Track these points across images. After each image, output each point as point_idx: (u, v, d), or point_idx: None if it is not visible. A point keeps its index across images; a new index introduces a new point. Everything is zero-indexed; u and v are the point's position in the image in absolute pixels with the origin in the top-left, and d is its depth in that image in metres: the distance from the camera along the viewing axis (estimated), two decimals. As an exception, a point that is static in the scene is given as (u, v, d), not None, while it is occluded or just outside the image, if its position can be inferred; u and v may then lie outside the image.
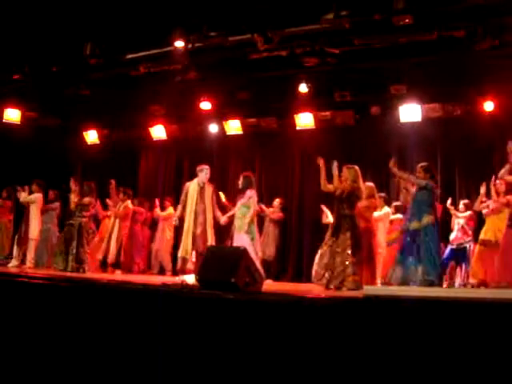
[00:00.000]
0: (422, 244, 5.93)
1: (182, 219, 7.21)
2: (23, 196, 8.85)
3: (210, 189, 7.26)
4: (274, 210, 9.32)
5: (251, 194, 7.07)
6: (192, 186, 7.20)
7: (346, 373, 3.67)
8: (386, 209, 7.84)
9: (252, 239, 6.88)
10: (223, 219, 7.30)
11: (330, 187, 6.58)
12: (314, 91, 8.71)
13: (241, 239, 6.81)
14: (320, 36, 7.25)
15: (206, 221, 7.08)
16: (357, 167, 6.54)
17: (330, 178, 6.68)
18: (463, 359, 3.33)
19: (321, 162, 6.63)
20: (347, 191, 6.39)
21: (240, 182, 7.22)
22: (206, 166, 7.33)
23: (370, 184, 7.31)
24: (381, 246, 7.63)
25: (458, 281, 7.74)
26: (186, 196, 7.16)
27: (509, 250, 5.99)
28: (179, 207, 7.31)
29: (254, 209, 7.08)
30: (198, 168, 7.36)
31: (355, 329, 3.70)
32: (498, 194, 7.14)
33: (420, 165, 6.38)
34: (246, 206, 7.04)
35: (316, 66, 7.99)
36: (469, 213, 7.83)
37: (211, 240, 7.06)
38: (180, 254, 7.13)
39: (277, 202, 9.46)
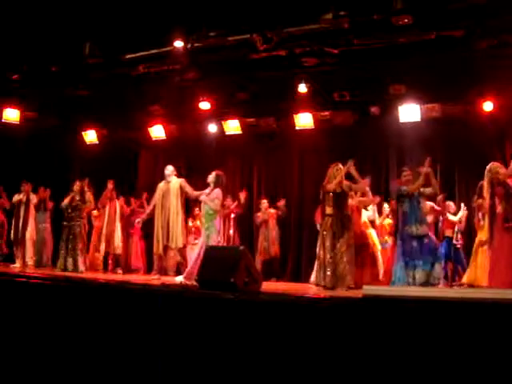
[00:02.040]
0: (431, 246, 5.98)
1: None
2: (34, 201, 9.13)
3: (177, 182, 7.62)
4: (264, 212, 9.43)
5: (217, 194, 7.18)
6: (160, 185, 7.70)
7: (344, 372, 3.67)
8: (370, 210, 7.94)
9: (208, 236, 7.03)
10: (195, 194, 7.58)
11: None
12: (313, 91, 8.71)
13: (203, 235, 7.15)
14: (319, 36, 7.24)
15: (170, 215, 7.43)
16: (339, 165, 6.59)
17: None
18: (463, 359, 3.33)
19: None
20: (344, 190, 6.41)
21: (211, 178, 7.31)
22: (169, 165, 7.84)
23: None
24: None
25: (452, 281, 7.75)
26: (155, 197, 7.66)
27: (502, 254, 5.94)
28: (149, 207, 7.84)
29: (217, 209, 7.17)
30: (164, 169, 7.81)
31: (354, 329, 3.71)
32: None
33: (407, 169, 6.43)
34: (208, 204, 7.16)
35: (315, 66, 7.99)
36: (461, 214, 7.87)
37: (179, 233, 7.42)
38: (155, 250, 7.56)
39: (264, 203, 9.55)
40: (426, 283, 5.83)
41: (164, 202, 7.51)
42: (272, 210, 9.60)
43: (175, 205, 7.50)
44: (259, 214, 9.60)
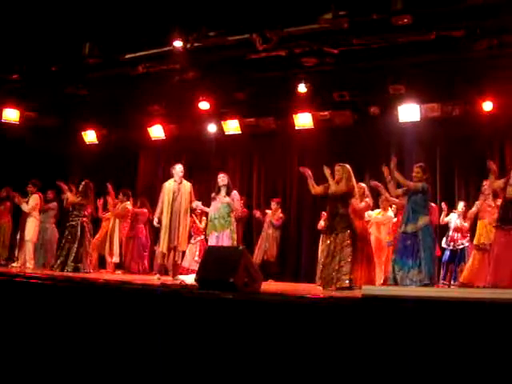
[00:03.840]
0: (418, 245, 5.95)
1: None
2: (25, 207, 8.98)
3: (188, 185, 7.55)
4: (274, 213, 9.39)
5: (237, 195, 7.22)
6: (168, 184, 7.53)
7: (344, 372, 3.67)
8: (390, 211, 7.88)
9: (233, 238, 7.05)
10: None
11: (319, 189, 6.57)
12: (312, 91, 8.71)
13: (223, 238, 7.02)
14: (318, 36, 7.24)
15: (181, 217, 7.36)
16: (348, 165, 6.53)
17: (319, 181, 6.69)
18: (462, 359, 3.34)
19: (307, 171, 6.62)
20: (342, 190, 6.39)
21: (225, 181, 7.29)
22: (178, 164, 7.69)
23: (363, 184, 7.37)
24: (381, 246, 7.69)
25: (452, 281, 7.75)
26: (164, 195, 7.47)
27: (498, 251, 5.95)
28: (158, 207, 7.56)
29: (239, 209, 7.29)
30: (171, 168, 7.71)
31: (353, 329, 3.71)
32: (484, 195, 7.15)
33: (418, 164, 6.40)
34: (229, 206, 7.15)
35: (315, 66, 7.98)
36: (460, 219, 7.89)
37: (186, 237, 7.47)
38: (160, 249, 7.45)
39: (274, 204, 9.51)
40: (419, 282, 5.81)
41: (174, 202, 7.37)
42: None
43: (186, 207, 7.41)
44: (268, 211, 9.53)
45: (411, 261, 5.91)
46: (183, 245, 7.51)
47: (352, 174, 6.46)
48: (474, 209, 7.58)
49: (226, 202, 7.14)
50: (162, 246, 7.38)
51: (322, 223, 7.83)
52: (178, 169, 7.58)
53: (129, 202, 9.42)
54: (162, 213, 7.44)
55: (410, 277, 5.86)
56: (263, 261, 9.29)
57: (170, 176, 7.73)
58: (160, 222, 7.48)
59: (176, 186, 7.48)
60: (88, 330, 4.81)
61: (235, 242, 7.03)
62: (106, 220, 9.62)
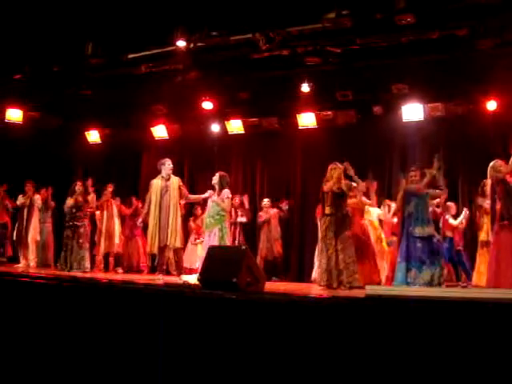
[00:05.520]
0: (431, 247, 5.95)
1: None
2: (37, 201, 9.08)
3: (176, 180, 7.39)
4: (267, 212, 9.44)
5: (227, 194, 7.16)
6: (156, 182, 7.33)
7: (347, 372, 3.66)
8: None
9: (222, 237, 6.99)
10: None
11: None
12: (315, 91, 8.70)
13: (212, 236, 6.97)
14: (322, 35, 7.23)
15: (170, 214, 7.18)
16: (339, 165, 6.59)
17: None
18: (464, 359, 3.33)
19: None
20: (342, 190, 6.43)
21: (216, 180, 7.25)
22: (167, 159, 7.43)
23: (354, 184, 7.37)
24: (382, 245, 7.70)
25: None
26: (151, 193, 7.29)
27: (499, 252, 5.86)
28: (145, 206, 7.43)
29: (228, 209, 7.21)
30: (158, 163, 7.45)
31: (357, 328, 3.70)
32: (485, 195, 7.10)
33: (416, 168, 6.43)
34: (220, 205, 7.11)
35: (318, 66, 7.98)
36: (462, 217, 7.86)
37: (178, 233, 7.23)
38: (148, 249, 7.34)
39: (265, 202, 9.54)
40: (430, 284, 5.81)
41: (163, 200, 7.18)
42: (274, 210, 9.58)
43: (176, 203, 7.23)
44: (261, 213, 9.58)
45: (431, 262, 5.90)
46: (177, 242, 7.21)
47: (335, 173, 6.53)
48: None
49: (214, 201, 7.15)
50: (151, 247, 7.16)
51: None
52: (168, 165, 7.33)
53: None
54: (148, 213, 7.26)
55: (432, 278, 5.86)
56: (270, 259, 9.32)
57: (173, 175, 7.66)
58: (144, 221, 7.39)
59: (164, 182, 7.27)
60: (92, 330, 4.81)
61: (224, 241, 6.94)
62: (99, 220, 9.60)
